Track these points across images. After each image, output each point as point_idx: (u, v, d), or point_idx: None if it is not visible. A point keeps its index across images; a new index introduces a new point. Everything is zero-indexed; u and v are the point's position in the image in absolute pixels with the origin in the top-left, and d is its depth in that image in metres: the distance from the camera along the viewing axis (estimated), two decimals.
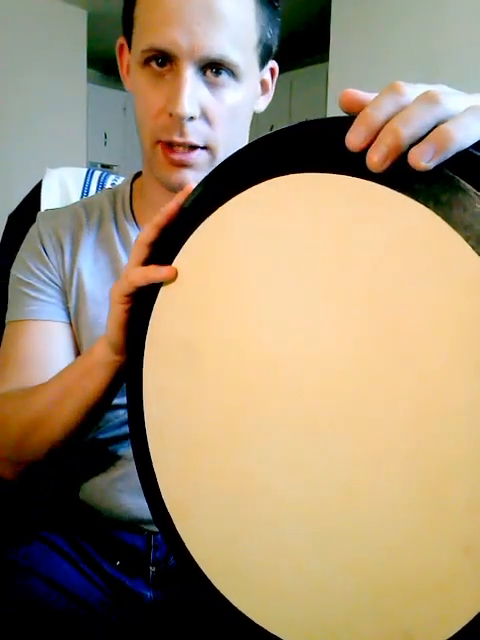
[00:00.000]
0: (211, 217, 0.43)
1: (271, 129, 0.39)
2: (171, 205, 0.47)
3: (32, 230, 0.73)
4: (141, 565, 0.69)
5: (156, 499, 0.47)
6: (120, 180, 0.95)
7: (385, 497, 0.35)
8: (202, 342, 0.43)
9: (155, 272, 0.47)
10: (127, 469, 0.69)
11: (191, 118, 0.59)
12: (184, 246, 0.45)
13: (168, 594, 0.69)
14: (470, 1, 2.47)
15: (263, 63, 0.67)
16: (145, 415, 0.48)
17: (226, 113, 0.62)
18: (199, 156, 0.62)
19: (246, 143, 0.67)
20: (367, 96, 0.35)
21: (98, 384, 0.57)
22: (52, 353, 0.69)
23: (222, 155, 0.63)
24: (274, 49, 0.68)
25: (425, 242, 0.32)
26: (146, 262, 0.49)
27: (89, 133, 4.03)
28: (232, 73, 0.60)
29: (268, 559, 0.41)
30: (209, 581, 0.44)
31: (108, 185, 0.94)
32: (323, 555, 0.38)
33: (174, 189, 0.64)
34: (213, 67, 0.59)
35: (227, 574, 0.43)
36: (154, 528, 0.68)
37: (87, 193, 0.93)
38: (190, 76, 0.58)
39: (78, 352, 0.71)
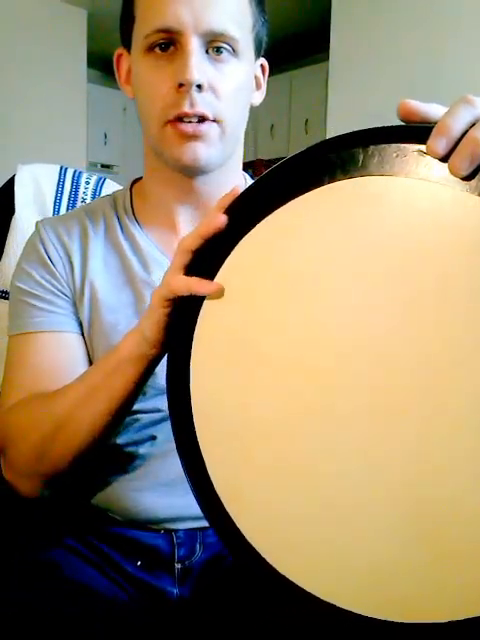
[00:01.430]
0: (271, 216, 0.44)
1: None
2: (220, 208, 0.46)
3: (33, 238, 0.71)
4: (165, 564, 0.67)
5: (204, 484, 0.48)
6: (94, 179, 0.95)
7: (457, 474, 0.37)
8: (260, 337, 0.44)
9: (199, 286, 0.46)
10: (146, 468, 0.67)
11: (199, 87, 0.61)
12: (241, 241, 0.45)
13: (195, 590, 0.67)
14: (472, 0, 2.46)
15: (257, 53, 0.69)
16: (192, 405, 0.49)
17: (231, 89, 0.64)
18: (210, 128, 0.63)
19: (243, 134, 0.69)
20: (424, 106, 0.39)
21: (126, 381, 0.56)
22: (67, 363, 0.66)
23: (231, 131, 0.65)
24: (264, 45, 0.70)
25: None
26: (192, 262, 0.49)
27: (89, 133, 4.04)
28: (233, 50, 0.63)
29: (334, 538, 0.42)
30: (266, 561, 0.45)
31: (82, 182, 0.94)
32: (395, 531, 0.40)
33: (187, 167, 0.64)
34: (214, 44, 0.62)
35: (288, 553, 0.44)
36: (174, 526, 0.67)
37: (62, 190, 0.93)
38: (196, 48, 0.61)
39: (90, 363, 0.68)
